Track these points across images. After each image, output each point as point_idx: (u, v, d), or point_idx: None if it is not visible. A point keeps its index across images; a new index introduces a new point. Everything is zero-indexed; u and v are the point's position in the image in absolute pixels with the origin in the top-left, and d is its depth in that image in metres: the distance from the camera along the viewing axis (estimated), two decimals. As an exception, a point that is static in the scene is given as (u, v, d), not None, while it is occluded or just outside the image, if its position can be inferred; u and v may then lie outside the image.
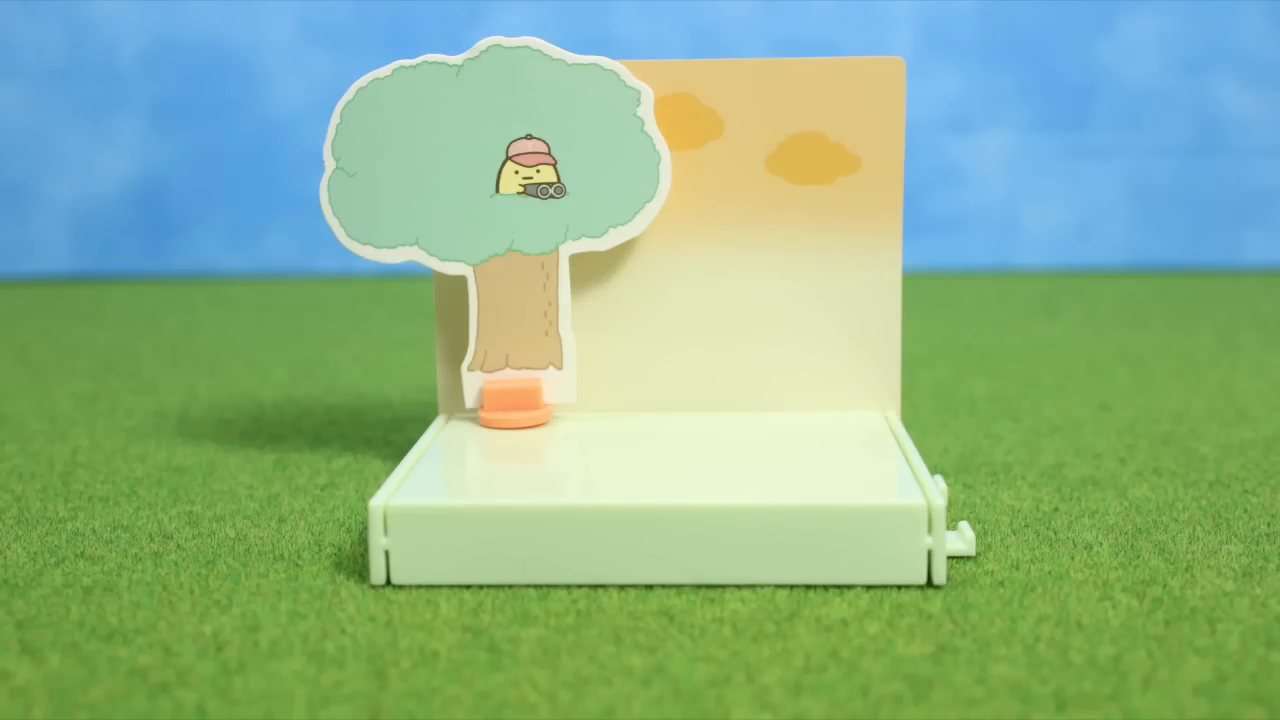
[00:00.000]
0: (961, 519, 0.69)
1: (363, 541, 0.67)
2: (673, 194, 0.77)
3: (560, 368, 0.77)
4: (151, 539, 0.68)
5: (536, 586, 0.60)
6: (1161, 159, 1.75)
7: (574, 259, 0.77)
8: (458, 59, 0.76)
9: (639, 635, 0.55)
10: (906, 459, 0.68)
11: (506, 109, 0.75)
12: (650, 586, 0.60)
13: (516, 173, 0.76)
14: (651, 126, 0.75)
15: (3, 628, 0.56)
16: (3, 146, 1.76)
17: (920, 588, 0.60)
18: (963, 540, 0.64)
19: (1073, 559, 0.64)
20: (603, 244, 0.76)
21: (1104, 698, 0.49)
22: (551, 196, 0.76)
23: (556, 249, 0.77)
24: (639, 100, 0.75)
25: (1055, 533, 0.68)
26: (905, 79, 0.76)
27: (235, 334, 1.36)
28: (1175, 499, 0.73)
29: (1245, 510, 0.71)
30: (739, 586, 0.60)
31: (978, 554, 0.64)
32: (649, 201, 0.75)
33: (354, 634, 0.55)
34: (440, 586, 0.61)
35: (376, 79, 0.76)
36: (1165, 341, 1.25)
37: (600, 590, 0.60)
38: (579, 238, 0.76)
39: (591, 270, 0.78)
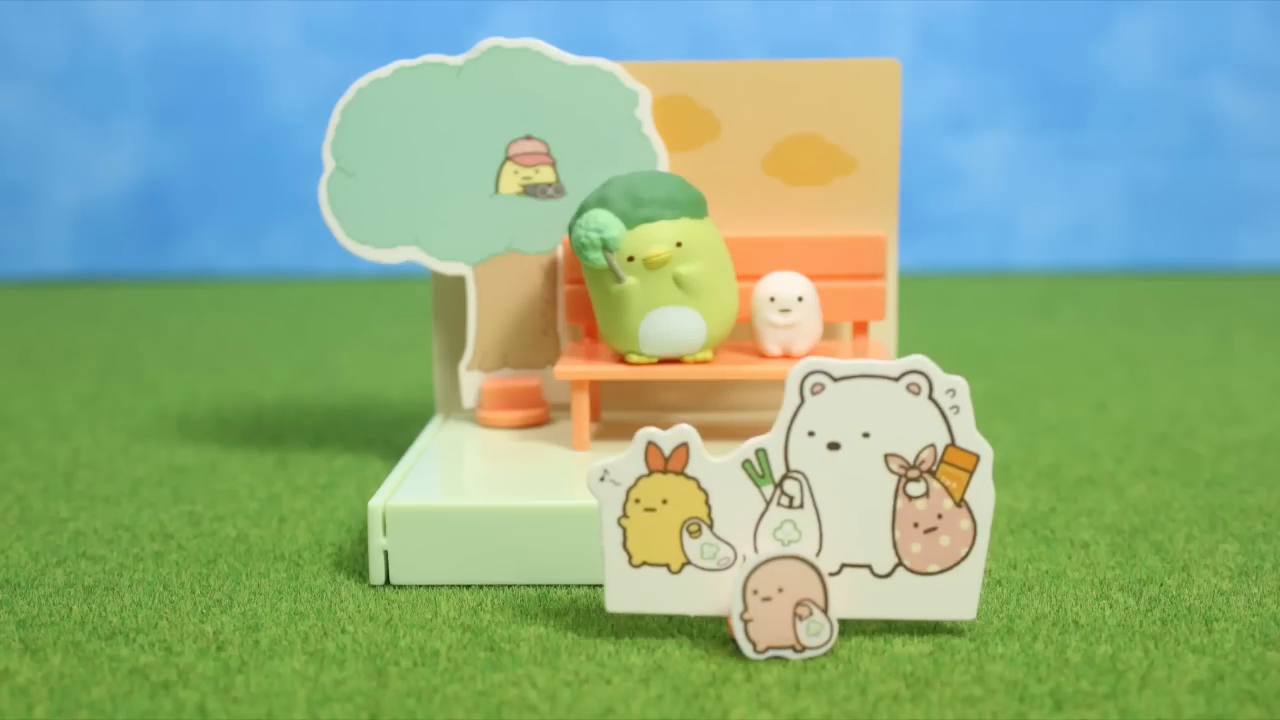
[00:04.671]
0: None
1: (363, 541, 0.67)
2: (671, 195, 0.77)
3: (559, 368, 0.77)
4: (153, 538, 0.69)
5: (536, 586, 0.61)
6: (1158, 160, 1.75)
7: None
8: (458, 60, 0.76)
9: (638, 634, 0.55)
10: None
11: (506, 109, 0.76)
12: (649, 586, 0.61)
13: (516, 173, 0.76)
14: (649, 127, 0.76)
15: (4, 627, 0.57)
16: (5, 148, 1.76)
17: (918, 587, 0.60)
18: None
19: (1070, 558, 0.64)
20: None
21: (1101, 696, 0.49)
22: (550, 197, 0.76)
23: (555, 249, 0.77)
24: (637, 101, 0.76)
25: (1052, 532, 0.68)
26: (901, 80, 0.76)
27: (236, 334, 1.36)
28: (1172, 498, 0.74)
29: (1241, 510, 0.72)
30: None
31: (975, 553, 0.65)
32: (648, 202, 0.75)
33: (354, 633, 0.55)
34: (440, 586, 0.61)
35: (377, 79, 0.76)
36: (1162, 341, 1.25)
37: (599, 589, 0.60)
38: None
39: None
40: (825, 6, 1.73)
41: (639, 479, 0.53)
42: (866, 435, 0.53)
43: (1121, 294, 1.58)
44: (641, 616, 0.57)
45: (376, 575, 0.61)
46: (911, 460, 0.53)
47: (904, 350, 1.12)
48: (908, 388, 0.52)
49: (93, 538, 0.69)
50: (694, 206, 0.69)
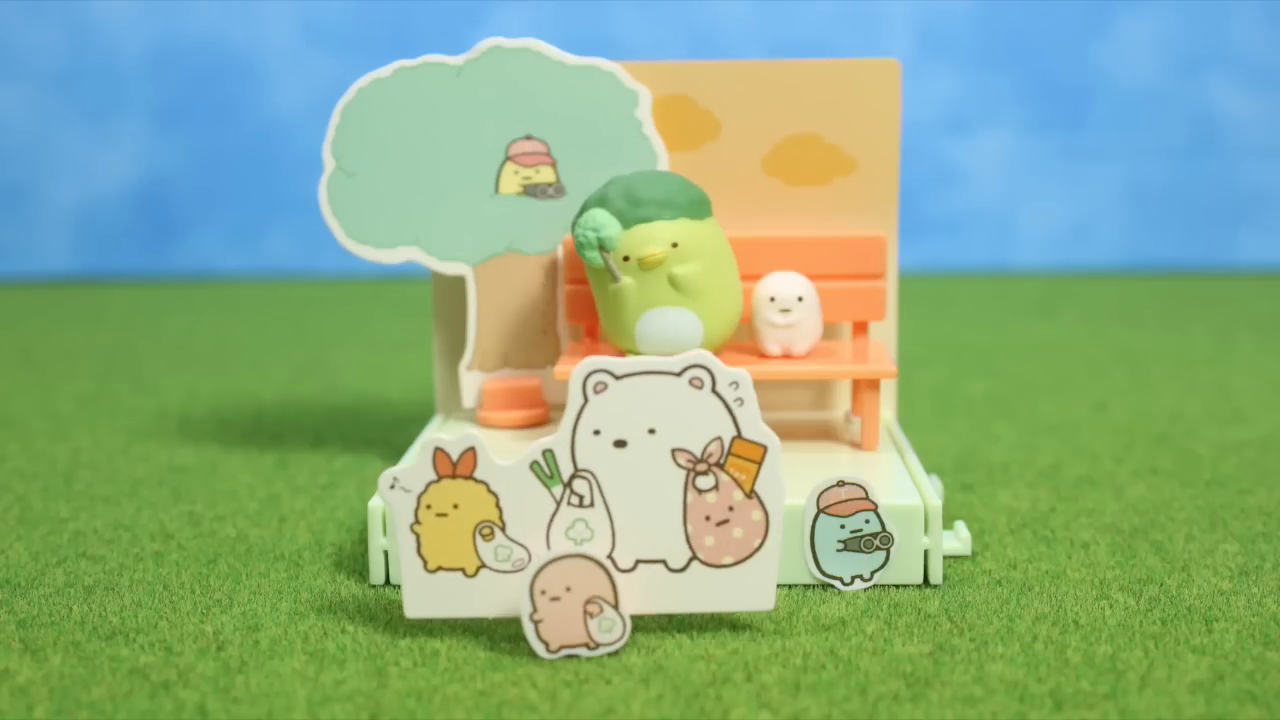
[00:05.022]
0: (959, 519, 0.69)
1: (363, 541, 0.67)
2: (671, 195, 0.77)
3: (559, 368, 0.77)
4: (153, 538, 0.69)
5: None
6: (1157, 160, 1.75)
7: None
8: (458, 60, 0.76)
9: (638, 634, 0.55)
10: (903, 459, 0.69)
11: (506, 109, 0.76)
12: (649, 586, 0.61)
13: (516, 173, 0.76)
14: (650, 127, 0.76)
15: (5, 627, 0.57)
16: (5, 148, 1.76)
17: (918, 587, 0.60)
18: (958, 540, 0.64)
19: (1070, 558, 0.64)
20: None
21: (1101, 696, 0.49)
22: (550, 197, 0.77)
23: (555, 249, 0.77)
24: (637, 101, 0.76)
25: (1052, 532, 0.68)
26: (901, 80, 0.76)
27: (236, 334, 1.36)
28: (1171, 498, 0.74)
29: (1241, 510, 0.72)
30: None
31: (975, 553, 0.65)
32: (648, 202, 0.75)
33: (354, 633, 0.55)
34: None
35: (377, 79, 0.76)
36: (1161, 341, 1.25)
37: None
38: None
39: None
40: (825, 6, 1.73)
41: (429, 485, 0.54)
42: (652, 431, 0.53)
43: (1121, 294, 1.58)
44: (641, 617, 0.57)
45: (376, 575, 0.61)
46: (699, 454, 0.53)
47: (904, 350, 1.13)
48: (690, 382, 0.53)
49: (93, 538, 0.69)
50: (694, 207, 0.69)
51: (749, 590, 0.54)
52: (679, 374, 0.53)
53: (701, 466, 0.53)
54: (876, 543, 0.60)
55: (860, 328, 0.76)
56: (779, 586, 0.60)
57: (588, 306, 0.75)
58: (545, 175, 0.76)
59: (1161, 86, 1.73)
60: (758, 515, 0.54)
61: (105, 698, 0.50)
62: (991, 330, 1.35)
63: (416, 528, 0.54)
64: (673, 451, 0.53)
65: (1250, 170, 1.75)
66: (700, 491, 0.54)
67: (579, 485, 0.54)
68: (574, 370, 0.53)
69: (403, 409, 0.99)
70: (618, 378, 0.53)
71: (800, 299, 0.71)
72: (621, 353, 0.72)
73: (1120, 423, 0.92)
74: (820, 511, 0.60)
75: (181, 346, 1.29)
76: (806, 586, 0.60)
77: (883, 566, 0.60)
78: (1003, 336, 1.31)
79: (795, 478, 0.65)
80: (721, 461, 0.53)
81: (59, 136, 1.75)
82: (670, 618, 0.56)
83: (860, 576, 0.60)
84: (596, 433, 0.53)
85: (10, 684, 0.51)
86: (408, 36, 1.72)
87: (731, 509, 0.54)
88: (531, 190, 0.76)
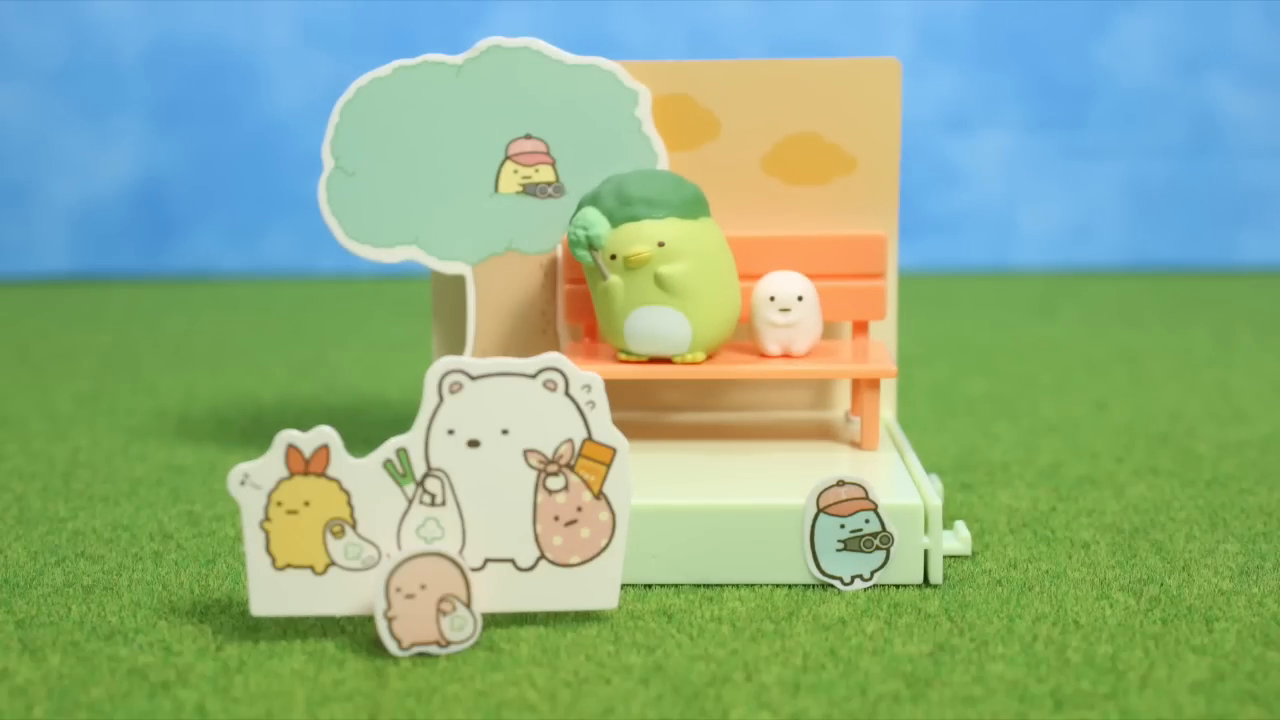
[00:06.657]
0: (959, 518, 0.69)
1: (362, 541, 0.67)
2: (671, 194, 0.77)
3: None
4: (152, 538, 0.69)
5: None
6: (1158, 159, 1.75)
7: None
8: (457, 59, 0.76)
9: (638, 634, 0.55)
10: (903, 459, 0.69)
11: (506, 109, 0.76)
12: (649, 586, 0.61)
13: (515, 172, 0.76)
14: (649, 127, 0.76)
15: (3, 627, 0.56)
16: (4, 147, 1.76)
17: (918, 587, 0.60)
18: (958, 540, 0.64)
19: (1070, 558, 0.64)
20: (601, 244, 0.76)
21: (1101, 696, 0.49)
22: (550, 196, 0.76)
23: (555, 248, 0.77)
24: (637, 101, 0.76)
25: (1053, 532, 0.68)
26: (901, 79, 0.76)
27: (235, 334, 1.36)
28: (1172, 498, 0.74)
29: (1242, 509, 0.72)
30: (737, 586, 0.60)
31: (975, 553, 0.65)
32: (647, 202, 0.75)
33: (353, 633, 0.55)
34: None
35: (376, 78, 0.76)
36: (1162, 341, 1.25)
37: (599, 589, 0.60)
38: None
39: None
40: (825, 6, 1.73)
41: (280, 482, 0.54)
42: (505, 432, 0.54)
43: (1121, 293, 1.58)
44: (641, 615, 0.57)
45: (376, 575, 0.61)
46: (550, 455, 0.54)
47: (904, 349, 1.12)
48: (544, 385, 0.54)
49: (91, 537, 0.69)
50: (687, 206, 0.68)
51: (594, 589, 0.55)
52: (533, 376, 0.54)
53: (552, 467, 0.54)
54: (876, 542, 0.60)
55: (860, 327, 0.76)
56: (779, 586, 0.60)
57: (587, 306, 0.75)
58: (545, 174, 0.76)
59: (1162, 86, 1.73)
60: (605, 516, 0.55)
61: (104, 697, 0.50)
62: (991, 330, 1.35)
63: (266, 525, 0.54)
64: (525, 452, 0.54)
65: (1251, 170, 1.75)
66: (550, 492, 0.55)
67: (431, 484, 0.54)
68: (429, 370, 0.54)
69: (402, 409, 0.99)
70: (473, 378, 0.54)
71: (800, 298, 0.71)
72: (617, 351, 0.71)
73: (1120, 422, 0.92)
74: (820, 511, 0.60)
75: (180, 346, 1.29)
76: (806, 586, 0.60)
77: (883, 566, 0.60)
78: (1003, 336, 1.31)
79: (795, 478, 0.65)
80: (572, 463, 0.54)
81: (57, 136, 1.75)
82: (670, 617, 0.56)
83: (860, 576, 0.60)
84: (450, 432, 0.54)
85: (9, 684, 0.51)
86: (407, 36, 1.72)
87: (580, 509, 0.55)
88: (531, 189, 0.76)
